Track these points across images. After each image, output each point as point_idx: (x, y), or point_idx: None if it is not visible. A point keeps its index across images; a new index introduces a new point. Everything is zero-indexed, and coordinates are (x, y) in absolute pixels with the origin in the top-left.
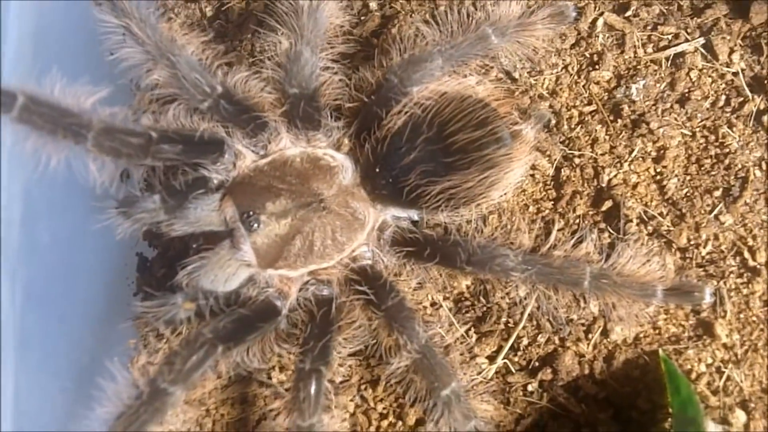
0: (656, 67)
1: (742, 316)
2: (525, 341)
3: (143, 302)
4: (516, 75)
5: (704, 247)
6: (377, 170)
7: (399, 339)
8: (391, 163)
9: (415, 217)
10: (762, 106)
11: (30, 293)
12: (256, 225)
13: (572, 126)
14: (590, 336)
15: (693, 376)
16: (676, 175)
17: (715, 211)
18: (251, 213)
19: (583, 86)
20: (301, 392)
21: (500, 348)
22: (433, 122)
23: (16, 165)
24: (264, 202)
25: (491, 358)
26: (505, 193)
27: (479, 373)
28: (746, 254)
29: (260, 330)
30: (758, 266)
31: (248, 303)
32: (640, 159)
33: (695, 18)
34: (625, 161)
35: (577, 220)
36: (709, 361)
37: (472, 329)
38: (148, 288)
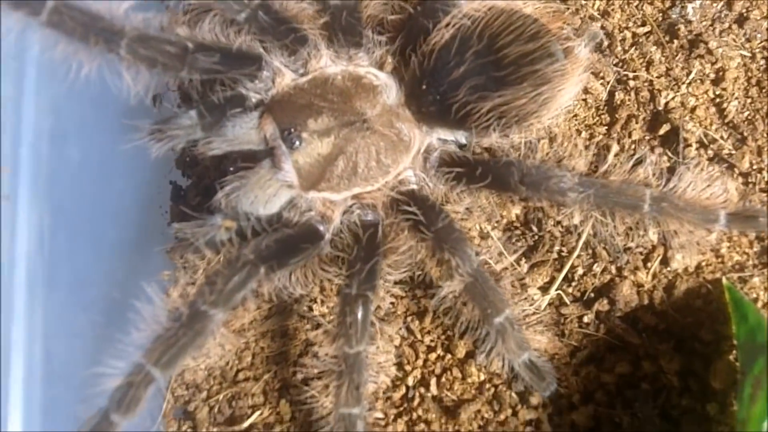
0: None
1: None
2: (579, 271)
3: (182, 223)
4: None
5: None
6: (424, 87)
7: (451, 261)
8: (439, 79)
9: (463, 141)
10: None
11: (60, 214)
12: (297, 142)
13: (626, 48)
14: (649, 265)
15: (759, 305)
16: (737, 98)
17: None
18: (292, 130)
19: (636, 6)
20: (348, 317)
21: (553, 278)
22: (483, 34)
23: (45, 77)
24: (305, 120)
25: (544, 289)
26: (555, 117)
27: (531, 305)
28: None
29: (303, 253)
30: None
31: (289, 226)
32: (699, 81)
33: None
34: (683, 83)
35: (633, 146)
36: None
37: (523, 259)
38: (185, 209)
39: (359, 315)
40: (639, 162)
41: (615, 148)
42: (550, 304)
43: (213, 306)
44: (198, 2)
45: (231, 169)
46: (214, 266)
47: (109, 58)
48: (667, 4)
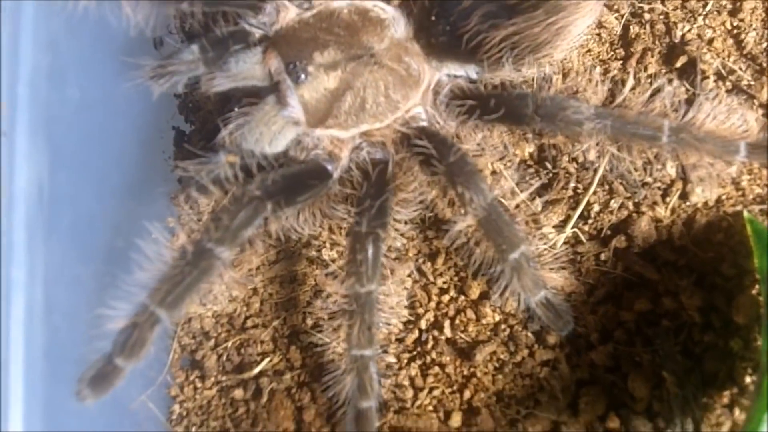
0: None
1: None
2: (596, 208)
3: (185, 162)
4: None
5: None
6: (433, 18)
7: (465, 194)
8: (449, 8)
9: (474, 75)
10: None
11: (59, 153)
12: (303, 76)
13: None
14: (668, 200)
15: None
16: (754, 29)
17: None
18: (298, 63)
19: None
20: (358, 255)
21: (569, 216)
22: None
23: (42, 11)
24: (311, 53)
25: (559, 228)
26: (569, 50)
27: (546, 244)
28: None
29: (311, 190)
30: None
31: (296, 164)
32: (715, 12)
33: None
34: (699, 15)
35: (649, 80)
36: None
37: (537, 197)
38: (190, 147)
39: (370, 253)
40: (656, 93)
41: (631, 82)
42: (565, 243)
43: (219, 243)
44: None
45: (235, 108)
46: (221, 203)
47: None
48: None
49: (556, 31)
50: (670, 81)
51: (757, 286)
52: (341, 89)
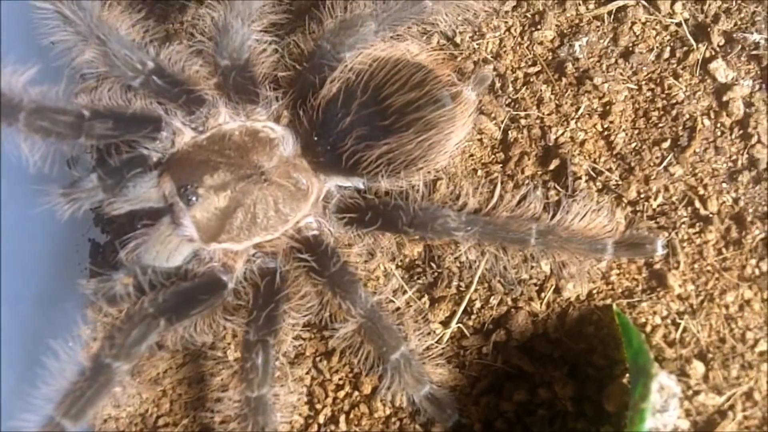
0: (599, 23)
1: (696, 266)
2: (478, 304)
3: (87, 281)
4: (457, 40)
5: (655, 200)
6: (315, 138)
7: (343, 304)
8: (328, 130)
9: (360, 186)
10: (707, 55)
11: None
12: (194, 198)
13: (517, 87)
14: (543, 295)
15: (648, 329)
16: (624, 130)
17: (665, 163)
18: (188, 186)
19: (527, 47)
20: (248, 363)
21: (453, 312)
22: (367, 86)
23: None
24: (202, 176)
25: (445, 323)
26: (450, 158)
27: (433, 339)
28: (697, 204)
29: (204, 304)
30: (710, 215)
31: (191, 277)
32: (587, 116)
33: None
34: (572, 119)
35: (526, 181)
36: (664, 313)
37: (426, 295)
38: (93, 267)
39: (259, 360)
40: (525, 197)
41: (509, 184)
42: (451, 337)
43: (115, 359)
44: (96, 71)
45: (138, 226)
46: (115, 321)
47: (8, 131)
48: (556, 43)
49: (429, 147)
50: (545, 183)
51: (626, 375)
52: (232, 207)
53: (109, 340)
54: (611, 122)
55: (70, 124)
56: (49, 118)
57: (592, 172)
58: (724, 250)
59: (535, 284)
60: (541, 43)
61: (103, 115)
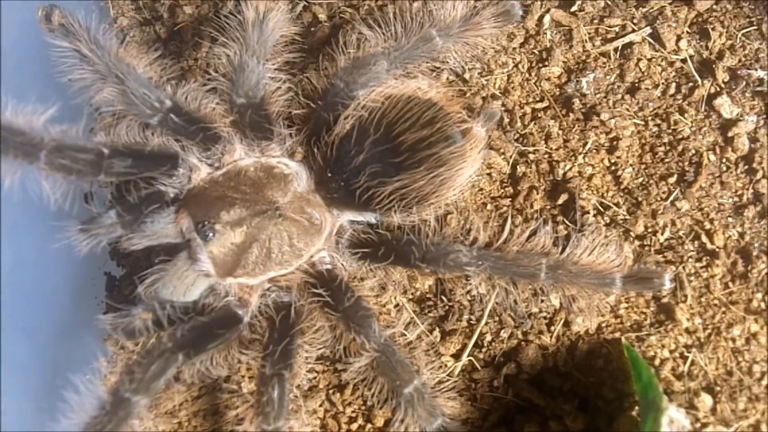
0: (605, 60)
1: (703, 299)
2: (488, 337)
3: (105, 315)
4: (466, 76)
5: (662, 234)
6: (329, 174)
7: (357, 338)
8: (342, 167)
9: (373, 221)
10: (712, 91)
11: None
12: (211, 234)
13: (525, 123)
14: (552, 328)
15: (656, 362)
16: (631, 165)
17: (671, 198)
18: (206, 223)
19: (534, 83)
20: (264, 396)
21: (464, 346)
22: (380, 124)
23: None
24: (218, 212)
25: (456, 356)
26: (460, 192)
27: (445, 372)
28: (704, 238)
29: (220, 338)
30: (716, 249)
31: (208, 311)
32: (594, 151)
33: (640, 8)
34: (580, 154)
35: (535, 215)
36: (672, 346)
37: (436, 328)
38: (110, 301)
39: (275, 394)
40: (535, 232)
41: (518, 219)
42: (462, 371)
43: (135, 393)
44: (114, 109)
45: (156, 261)
46: (134, 356)
47: (29, 169)
48: (563, 79)
49: (440, 182)
50: (553, 217)
51: (636, 408)
52: (248, 242)
53: (129, 374)
54: (618, 157)
55: (90, 162)
56: (70, 156)
57: (600, 207)
58: (730, 283)
59: (545, 318)
60: (548, 79)
61: (123, 153)
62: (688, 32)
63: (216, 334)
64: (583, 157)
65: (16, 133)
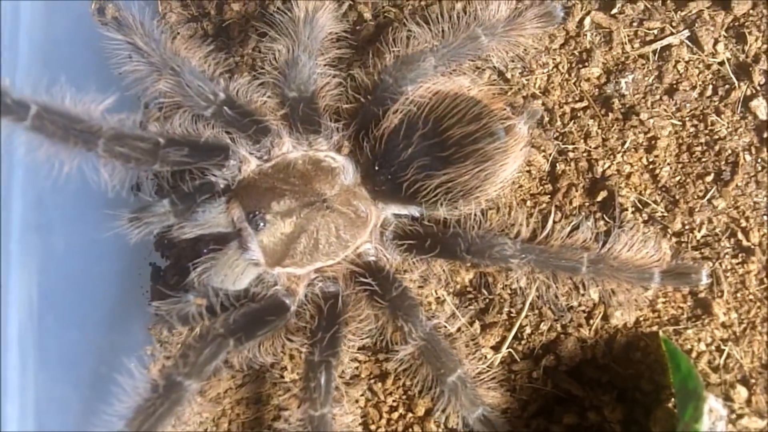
0: (644, 61)
1: (738, 295)
2: (528, 330)
3: (159, 302)
4: (508, 75)
5: (699, 231)
6: (376, 168)
7: (404, 327)
8: (390, 160)
9: (416, 214)
10: (748, 93)
11: (48, 298)
12: (262, 224)
13: (565, 122)
14: (591, 322)
15: (693, 355)
16: (668, 164)
17: (708, 196)
18: (257, 213)
19: (574, 83)
20: (312, 382)
21: (504, 338)
22: (428, 118)
23: (30, 174)
24: (269, 202)
25: (496, 348)
26: (501, 188)
27: (485, 364)
28: (740, 235)
29: (270, 325)
30: (752, 246)
31: (257, 300)
32: (633, 150)
33: (679, 12)
34: (618, 152)
35: (574, 211)
36: (709, 340)
37: (476, 321)
38: (161, 288)
39: (322, 380)
40: (577, 227)
41: (557, 215)
42: (502, 362)
43: (187, 377)
44: (169, 100)
45: (204, 250)
46: (188, 340)
47: (87, 156)
48: (603, 80)
49: (485, 177)
50: (592, 213)
51: (672, 400)
52: (297, 233)
53: (183, 358)
54: (656, 156)
55: (147, 151)
56: (128, 144)
57: (638, 204)
58: (765, 280)
59: (584, 311)
60: (587, 80)
61: (179, 143)
62: (725, 36)
63: (266, 321)
64: (622, 156)
65: (75, 120)
